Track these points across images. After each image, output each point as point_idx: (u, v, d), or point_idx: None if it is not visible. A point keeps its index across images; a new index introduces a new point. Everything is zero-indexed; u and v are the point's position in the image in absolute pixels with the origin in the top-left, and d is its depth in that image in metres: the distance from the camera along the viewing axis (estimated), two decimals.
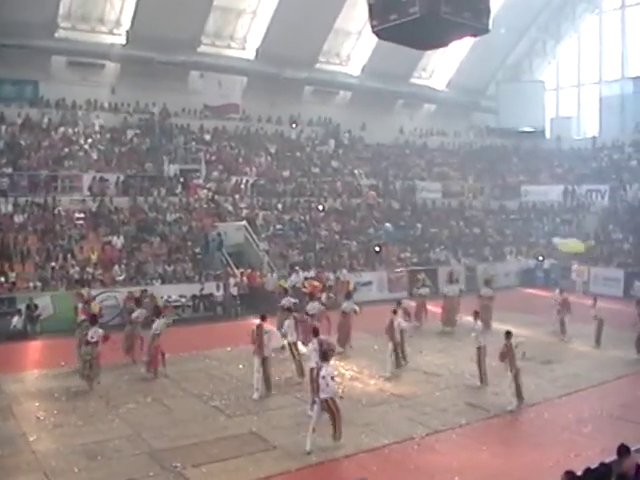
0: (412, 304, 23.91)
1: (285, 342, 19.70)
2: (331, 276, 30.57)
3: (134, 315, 20.55)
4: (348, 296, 23.08)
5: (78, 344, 18.73)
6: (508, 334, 16.21)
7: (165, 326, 19.10)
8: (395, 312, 19.76)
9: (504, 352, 16.08)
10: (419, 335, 21.50)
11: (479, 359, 18.08)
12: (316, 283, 28.40)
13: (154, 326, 18.91)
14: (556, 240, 36.28)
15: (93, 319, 18.83)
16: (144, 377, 18.66)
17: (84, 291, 24.92)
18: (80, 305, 22.87)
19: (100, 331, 17.95)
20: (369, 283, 31.91)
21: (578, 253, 34.80)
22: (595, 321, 22.33)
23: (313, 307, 21.51)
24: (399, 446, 13.56)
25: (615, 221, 38.25)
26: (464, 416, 15.22)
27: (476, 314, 18.96)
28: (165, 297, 26.64)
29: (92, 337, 17.66)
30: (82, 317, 20.44)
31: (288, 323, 19.10)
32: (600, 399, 16.53)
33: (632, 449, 8.87)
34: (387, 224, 36.97)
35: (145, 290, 26.09)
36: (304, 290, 27.47)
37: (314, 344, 15.80)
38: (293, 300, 22.67)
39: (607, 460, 8.74)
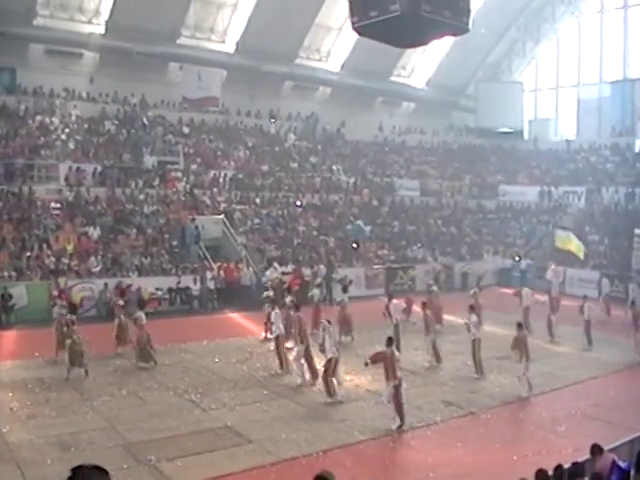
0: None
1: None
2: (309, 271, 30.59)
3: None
4: (345, 289, 24.43)
5: (58, 335, 18.90)
6: (519, 325, 17.45)
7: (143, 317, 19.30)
8: (425, 305, 20.42)
9: (516, 342, 17.02)
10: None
11: (474, 351, 18.68)
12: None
13: (136, 314, 19.30)
14: (559, 232, 35.80)
15: (73, 308, 19.53)
16: (119, 369, 18.57)
17: (61, 280, 25.11)
18: (55, 293, 22.90)
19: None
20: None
21: (572, 254, 34.50)
22: (585, 321, 22.54)
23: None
24: (374, 442, 13.62)
25: (591, 223, 38.51)
26: (439, 413, 15.29)
27: (471, 308, 19.67)
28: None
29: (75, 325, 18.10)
30: (61, 303, 20.47)
31: (275, 316, 19.16)
32: (574, 399, 16.67)
33: (605, 449, 8.98)
34: (359, 221, 36.82)
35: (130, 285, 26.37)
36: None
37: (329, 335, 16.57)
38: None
39: (580, 459, 8.82)
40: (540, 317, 24.09)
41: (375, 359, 14.66)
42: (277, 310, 19.46)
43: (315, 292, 25.49)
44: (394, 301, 22.38)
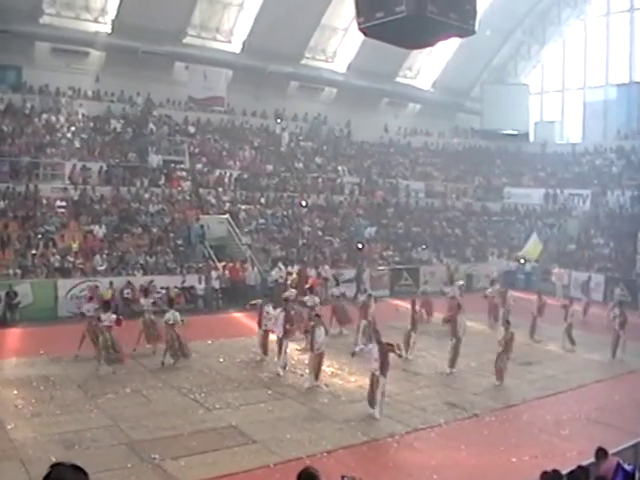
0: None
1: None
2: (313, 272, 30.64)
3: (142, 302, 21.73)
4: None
5: (88, 332, 19.07)
6: (507, 323, 18.32)
7: (178, 316, 19.40)
8: (459, 306, 20.27)
9: (507, 340, 17.80)
10: (398, 333, 21.51)
11: (455, 350, 19.05)
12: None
13: (167, 316, 19.25)
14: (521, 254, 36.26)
15: (106, 305, 19.69)
16: (123, 367, 18.51)
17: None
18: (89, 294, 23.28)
19: (113, 316, 18.53)
20: (351, 280, 31.84)
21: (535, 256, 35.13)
22: (566, 324, 22.60)
23: (311, 299, 22.61)
24: (378, 444, 13.63)
25: (596, 226, 38.52)
26: (443, 415, 15.30)
27: (458, 307, 20.11)
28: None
29: (104, 321, 18.24)
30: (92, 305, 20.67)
31: (277, 315, 19.37)
32: (578, 402, 16.67)
33: (609, 452, 8.97)
34: (361, 220, 37.07)
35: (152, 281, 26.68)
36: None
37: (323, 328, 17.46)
38: None
39: (584, 463, 8.81)
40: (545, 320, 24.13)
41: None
42: (270, 307, 19.90)
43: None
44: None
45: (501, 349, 17.83)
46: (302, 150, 42.01)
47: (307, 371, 17.50)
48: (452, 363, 19.07)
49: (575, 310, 23.38)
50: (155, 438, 13.29)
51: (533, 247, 33.59)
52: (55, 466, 3.83)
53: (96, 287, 25.32)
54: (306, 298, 22.72)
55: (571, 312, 22.84)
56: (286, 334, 18.80)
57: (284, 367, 18.51)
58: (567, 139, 48.86)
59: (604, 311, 25.77)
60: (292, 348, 19.79)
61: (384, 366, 14.91)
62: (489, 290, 27.14)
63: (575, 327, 22.94)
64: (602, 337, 22.81)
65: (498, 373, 17.84)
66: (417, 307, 21.93)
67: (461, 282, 29.89)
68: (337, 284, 27.39)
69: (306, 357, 18.36)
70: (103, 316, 18.42)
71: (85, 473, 3.85)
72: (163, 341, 19.64)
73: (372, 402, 15.00)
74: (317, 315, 18.25)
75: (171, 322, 19.02)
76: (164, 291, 26.92)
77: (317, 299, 22.94)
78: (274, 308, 20.05)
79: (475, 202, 44.72)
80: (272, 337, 19.73)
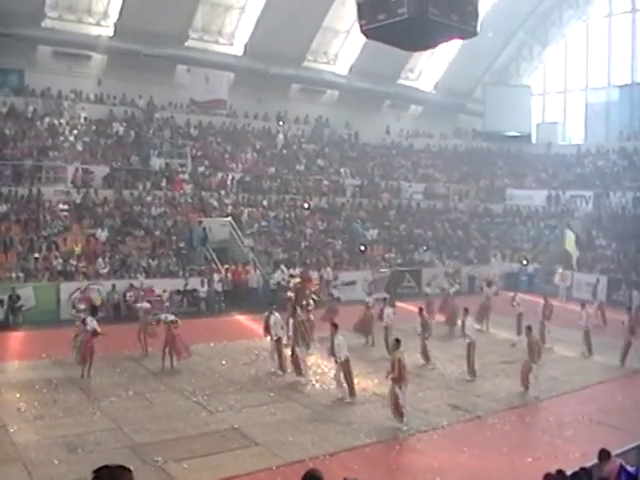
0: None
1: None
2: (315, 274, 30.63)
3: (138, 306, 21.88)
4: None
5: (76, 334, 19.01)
6: (529, 328, 17.68)
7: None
8: (467, 311, 20.12)
9: (530, 346, 17.29)
10: (402, 335, 21.48)
11: (469, 354, 18.78)
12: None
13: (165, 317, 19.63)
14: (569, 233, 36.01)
15: (93, 310, 19.92)
16: (126, 370, 18.58)
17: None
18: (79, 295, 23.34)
19: (94, 323, 18.37)
20: (353, 282, 31.86)
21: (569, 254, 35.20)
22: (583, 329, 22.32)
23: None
24: (381, 446, 13.62)
25: (599, 227, 38.39)
26: (446, 417, 15.27)
27: (466, 311, 19.93)
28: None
29: (88, 324, 18.16)
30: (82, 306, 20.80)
31: (274, 320, 19.17)
32: (581, 403, 16.64)
33: (612, 454, 8.95)
34: (355, 224, 37.05)
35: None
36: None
37: (340, 336, 16.82)
38: None
39: (588, 464, 8.80)
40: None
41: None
42: (277, 314, 19.47)
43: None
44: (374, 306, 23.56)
45: (527, 356, 17.42)
46: (304, 152, 42.02)
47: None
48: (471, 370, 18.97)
49: (589, 313, 23.12)
50: (158, 441, 13.31)
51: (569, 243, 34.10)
52: (102, 469, 3.85)
53: (85, 290, 25.52)
54: (311, 302, 22.67)
55: (585, 316, 22.57)
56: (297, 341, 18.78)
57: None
58: (569, 140, 48.82)
59: (608, 313, 25.85)
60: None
61: (402, 375, 14.64)
62: (486, 291, 27.20)
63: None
64: (605, 339, 22.75)
65: (523, 380, 17.47)
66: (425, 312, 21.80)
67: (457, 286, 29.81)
68: (334, 286, 27.61)
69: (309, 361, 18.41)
70: (88, 319, 18.43)
71: (130, 471, 3.89)
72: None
73: (400, 414, 14.61)
74: (334, 324, 17.64)
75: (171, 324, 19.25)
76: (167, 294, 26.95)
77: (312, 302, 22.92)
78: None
79: (477, 204, 44.63)
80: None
